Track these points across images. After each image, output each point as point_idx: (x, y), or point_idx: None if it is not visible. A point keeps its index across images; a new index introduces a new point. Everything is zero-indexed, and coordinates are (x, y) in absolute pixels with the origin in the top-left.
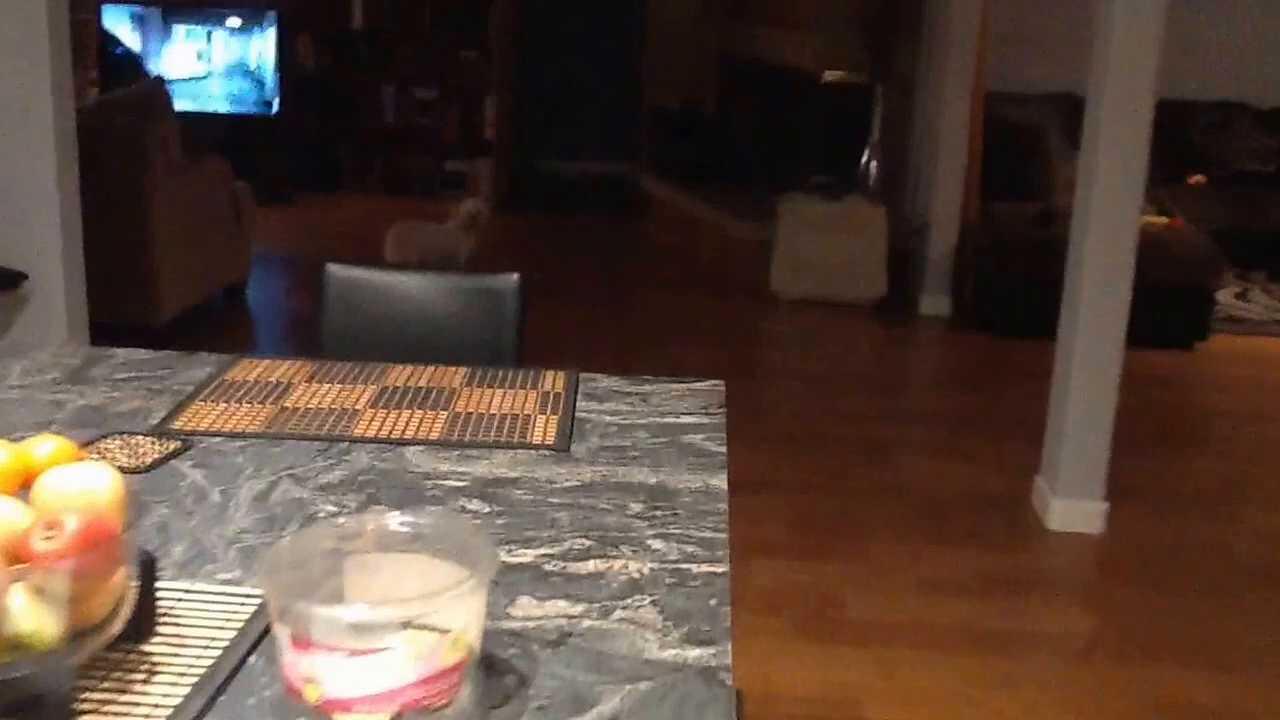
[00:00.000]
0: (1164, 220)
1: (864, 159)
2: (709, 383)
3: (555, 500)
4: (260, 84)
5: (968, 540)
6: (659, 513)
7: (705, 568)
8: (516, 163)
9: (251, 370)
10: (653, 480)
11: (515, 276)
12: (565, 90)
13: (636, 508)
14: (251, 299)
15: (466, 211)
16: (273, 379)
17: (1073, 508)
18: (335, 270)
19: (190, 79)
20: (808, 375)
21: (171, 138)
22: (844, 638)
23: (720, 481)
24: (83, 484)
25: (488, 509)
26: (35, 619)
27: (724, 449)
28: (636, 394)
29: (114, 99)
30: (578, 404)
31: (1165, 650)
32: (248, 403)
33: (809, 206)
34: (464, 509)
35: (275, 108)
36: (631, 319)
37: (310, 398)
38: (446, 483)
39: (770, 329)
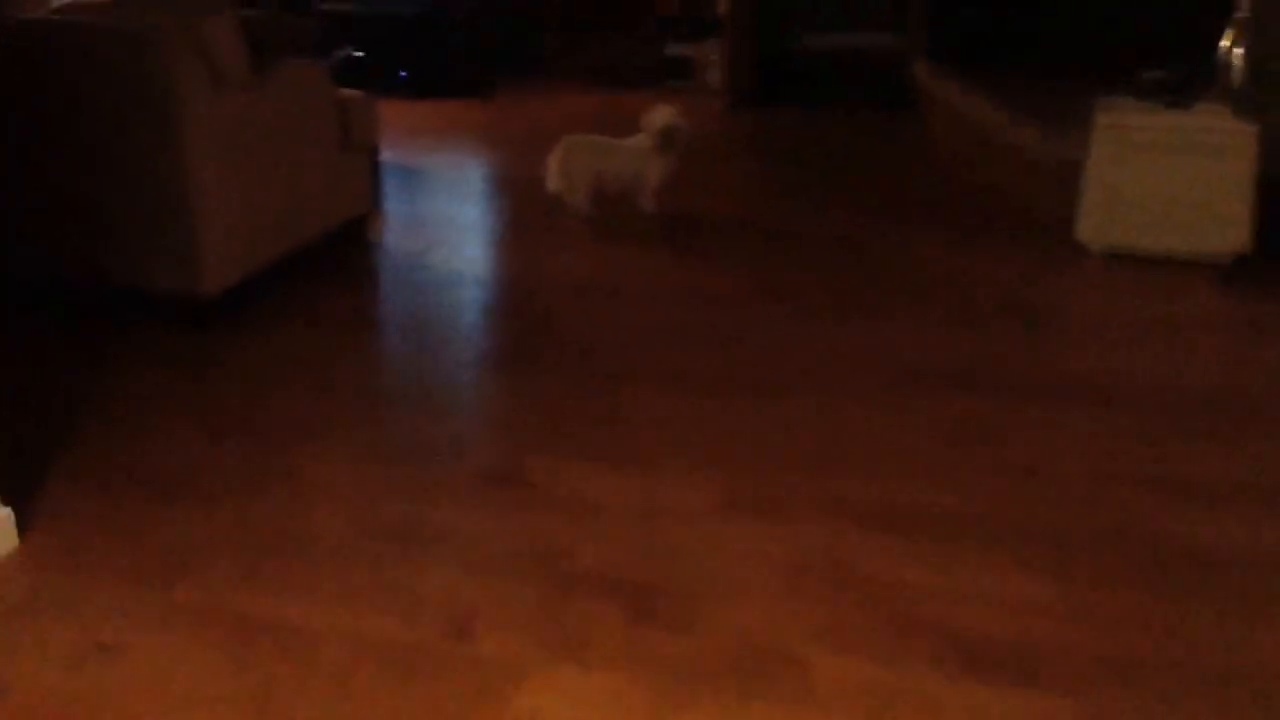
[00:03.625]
0: None
1: (1223, 48)
2: None
3: None
4: None
5: None
6: None
7: None
8: (752, 44)
9: None
10: None
11: None
12: None
13: None
14: (387, 237)
15: (659, 125)
16: None
17: None
18: None
19: None
20: (1118, 393)
21: (225, 40)
22: None
23: None
24: None
25: None
26: None
27: None
28: None
29: None
30: None
31: None
32: None
33: (1139, 116)
34: None
35: None
36: (860, 273)
37: None
38: None
39: (1067, 302)
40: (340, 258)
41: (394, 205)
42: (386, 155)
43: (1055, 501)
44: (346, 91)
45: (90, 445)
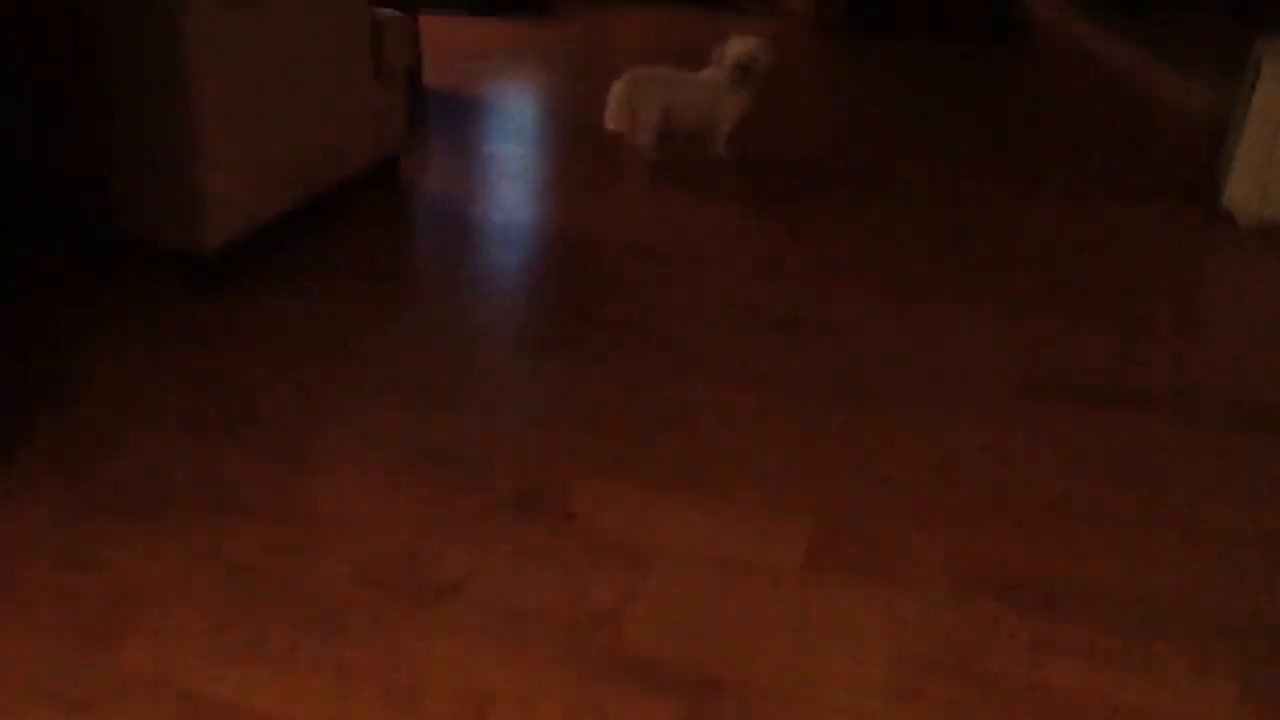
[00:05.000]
0: None
1: None
2: None
3: None
4: None
5: None
6: None
7: None
8: None
9: None
10: None
11: None
12: None
13: None
14: (425, 179)
15: (736, 56)
16: None
17: None
18: None
19: None
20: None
21: None
22: None
23: None
24: None
25: None
26: None
27: None
28: None
29: None
30: None
31: None
32: None
33: None
34: None
35: None
36: (969, 242)
37: None
38: None
39: (1223, 289)
40: (369, 205)
41: (435, 140)
42: (430, 81)
43: (1252, 577)
44: (381, 10)
45: (50, 439)
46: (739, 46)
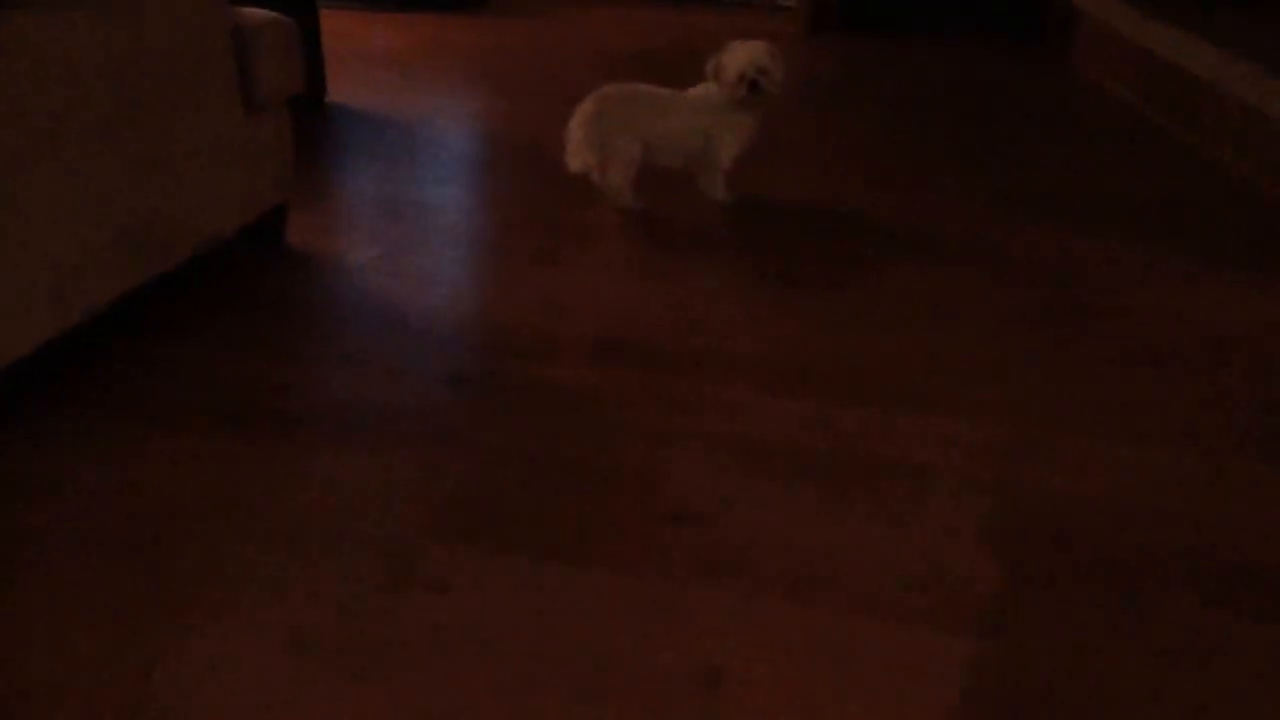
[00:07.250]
0: None
1: None
2: None
3: None
4: None
5: None
6: None
7: None
8: None
9: None
10: None
11: None
12: None
13: None
14: (319, 238)
15: (740, 68)
16: None
17: None
18: None
19: None
20: None
21: None
22: None
23: None
24: None
25: None
26: None
27: None
28: None
29: None
30: None
31: None
32: None
33: None
34: None
35: None
36: (1052, 323)
37: None
38: None
39: None
40: (239, 286)
41: (342, 182)
42: (336, 98)
43: None
44: (249, 11)
45: None
46: (743, 55)
